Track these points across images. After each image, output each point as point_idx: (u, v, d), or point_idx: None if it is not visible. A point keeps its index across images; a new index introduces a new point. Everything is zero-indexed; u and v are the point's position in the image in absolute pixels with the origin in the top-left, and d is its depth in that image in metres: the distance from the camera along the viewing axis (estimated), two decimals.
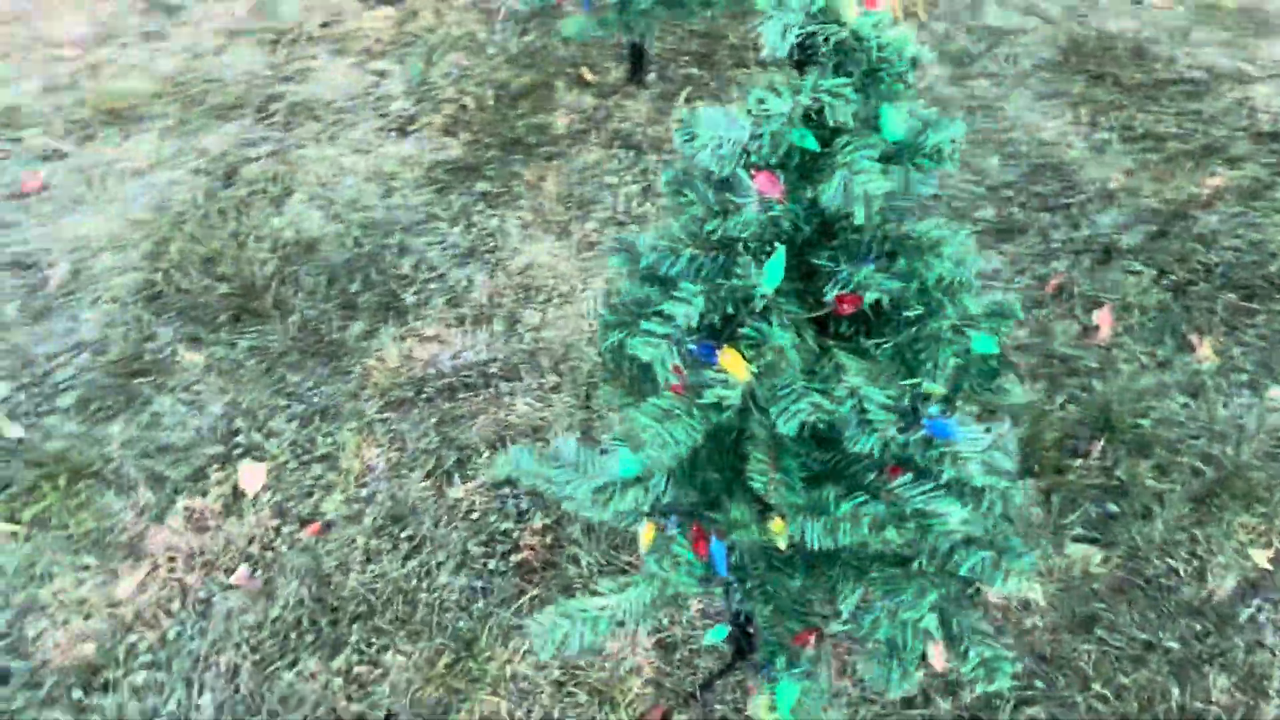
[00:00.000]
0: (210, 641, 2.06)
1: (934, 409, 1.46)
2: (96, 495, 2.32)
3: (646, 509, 1.54)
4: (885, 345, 1.36)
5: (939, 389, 1.37)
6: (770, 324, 1.32)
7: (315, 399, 2.49)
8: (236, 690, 1.98)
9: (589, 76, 3.35)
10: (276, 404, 2.49)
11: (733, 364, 1.33)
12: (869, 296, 1.31)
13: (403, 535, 2.23)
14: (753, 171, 1.27)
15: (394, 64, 3.54)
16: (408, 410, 2.46)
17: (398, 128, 3.27)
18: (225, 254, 2.84)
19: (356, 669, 2.01)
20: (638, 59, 3.31)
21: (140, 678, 2.01)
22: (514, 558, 2.16)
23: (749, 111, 1.23)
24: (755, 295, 1.30)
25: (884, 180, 1.20)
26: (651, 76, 3.40)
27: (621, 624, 1.52)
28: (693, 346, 1.37)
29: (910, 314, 1.36)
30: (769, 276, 1.28)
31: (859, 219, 1.20)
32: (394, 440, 2.40)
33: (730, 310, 1.34)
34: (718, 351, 1.34)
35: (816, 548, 1.37)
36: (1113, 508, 2.22)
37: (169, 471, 2.36)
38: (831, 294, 1.29)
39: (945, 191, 2.85)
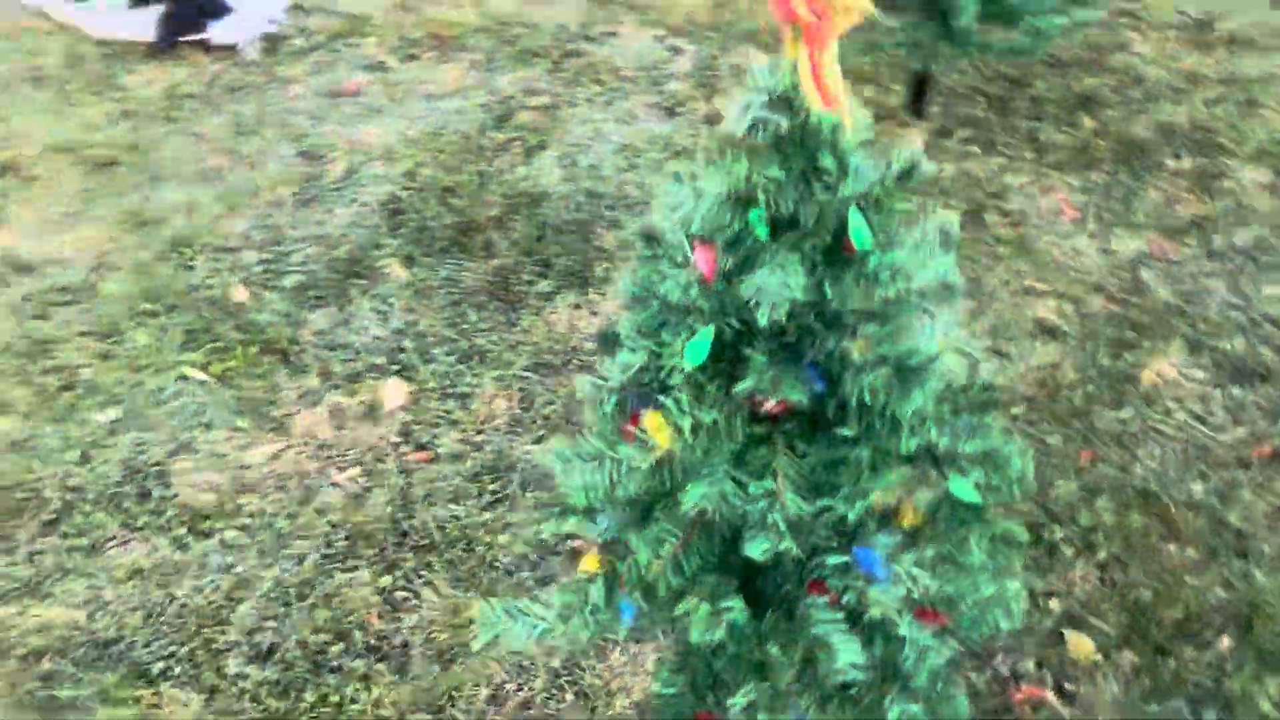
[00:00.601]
0: (296, 525, 2.30)
1: (880, 537, 1.38)
2: (273, 370, 2.63)
3: (595, 537, 1.56)
4: (810, 456, 1.30)
5: (851, 513, 1.29)
6: (696, 399, 1.29)
7: (478, 340, 2.67)
8: (296, 574, 2.21)
9: (868, 93, 3.27)
10: (445, 335, 2.69)
11: (655, 427, 1.32)
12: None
13: (490, 487, 2.36)
14: (695, 243, 1.25)
15: (691, 44, 3.62)
16: (548, 375, 2.58)
17: (667, 107, 3.36)
18: (464, 189, 3.07)
19: (396, 593, 2.18)
20: (920, 88, 3.18)
21: (230, 535, 2.29)
22: (572, 543, 2.23)
23: (691, 185, 1.21)
24: (678, 367, 1.28)
25: (793, 286, 1.14)
26: (935, 109, 3.25)
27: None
28: (628, 398, 1.37)
29: (843, 431, 1.29)
30: (690, 354, 1.26)
31: (760, 319, 1.15)
32: (524, 399, 2.53)
33: (664, 375, 1.33)
34: (644, 411, 1.34)
35: (695, 640, 1.35)
36: (1209, 715, 1.95)
37: (336, 368, 2.63)
38: (742, 388, 1.24)
39: None
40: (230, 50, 3.63)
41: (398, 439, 2.48)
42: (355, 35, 3.73)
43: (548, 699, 1.99)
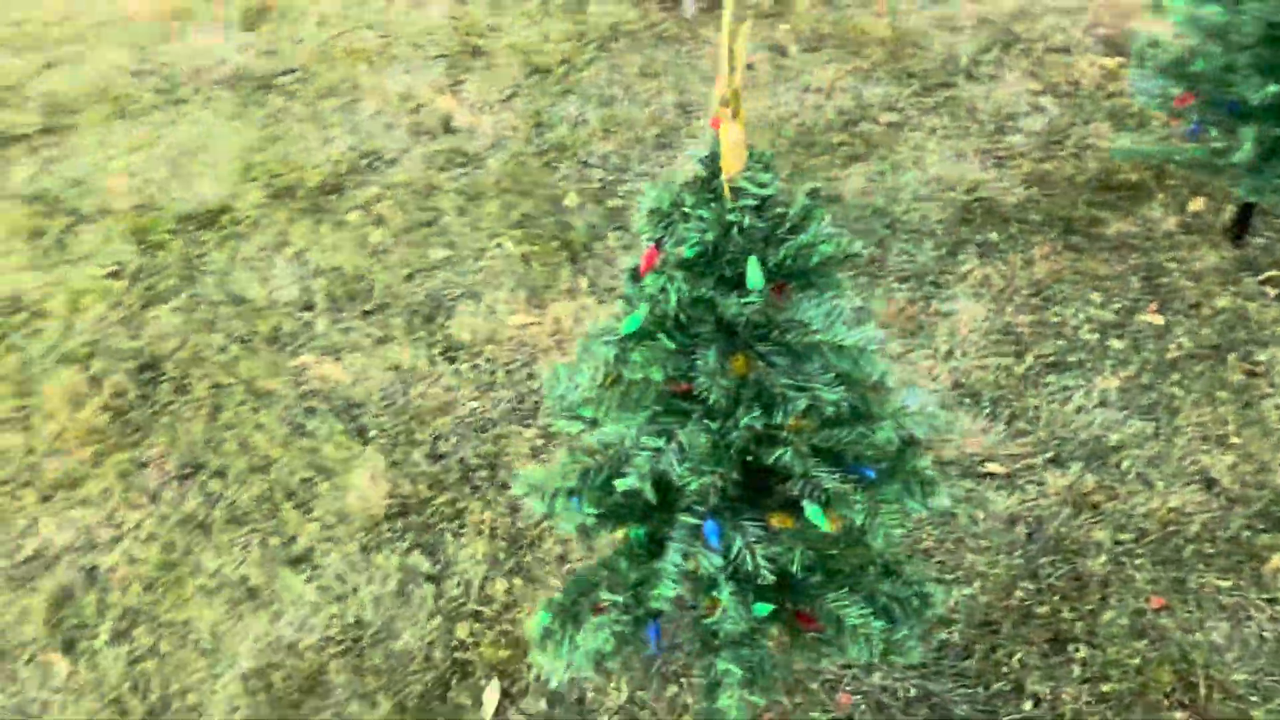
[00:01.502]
0: (510, 380, 2.99)
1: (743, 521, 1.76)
2: (560, 264, 3.31)
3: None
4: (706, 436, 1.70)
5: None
6: (619, 360, 1.74)
7: None
8: (490, 411, 2.90)
9: (1195, 205, 3.25)
10: None
11: None
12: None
13: None
14: (650, 244, 1.67)
15: (1058, 108, 3.73)
16: None
17: (997, 156, 3.55)
18: None
19: (542, 447, 2.80)
20: (1245, 215, 3.12)
21: (464, 368, 3.03)
22: None
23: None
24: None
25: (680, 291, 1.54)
26: (1258, 241, 3.18)
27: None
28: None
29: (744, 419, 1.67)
30: (624, 325, 1.69)
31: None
32: None
33: None
34: None
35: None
36: None
37: (604, 281, 3.25)
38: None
39: None
40: (677, 3, 4.29)
41: None
42: (776, 18, 4.23)
43: None
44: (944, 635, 2.39)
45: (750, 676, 1.84)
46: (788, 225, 1.61)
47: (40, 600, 2.64)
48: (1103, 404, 2.80)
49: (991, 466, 2.69)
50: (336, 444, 2.89)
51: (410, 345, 3.11)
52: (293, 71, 4.29)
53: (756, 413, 1.63)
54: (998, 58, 3.92)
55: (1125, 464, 2.67)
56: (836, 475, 1.72)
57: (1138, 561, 2.47)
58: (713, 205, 1.54)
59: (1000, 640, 2.37)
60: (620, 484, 1.73)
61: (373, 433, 2.91)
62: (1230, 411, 2.74)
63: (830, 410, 1.70)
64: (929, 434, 1.93)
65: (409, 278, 3.31)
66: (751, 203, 1.54)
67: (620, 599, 1.80)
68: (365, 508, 2.73)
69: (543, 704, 2.36)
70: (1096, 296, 3.05)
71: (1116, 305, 3.03)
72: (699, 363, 1.61)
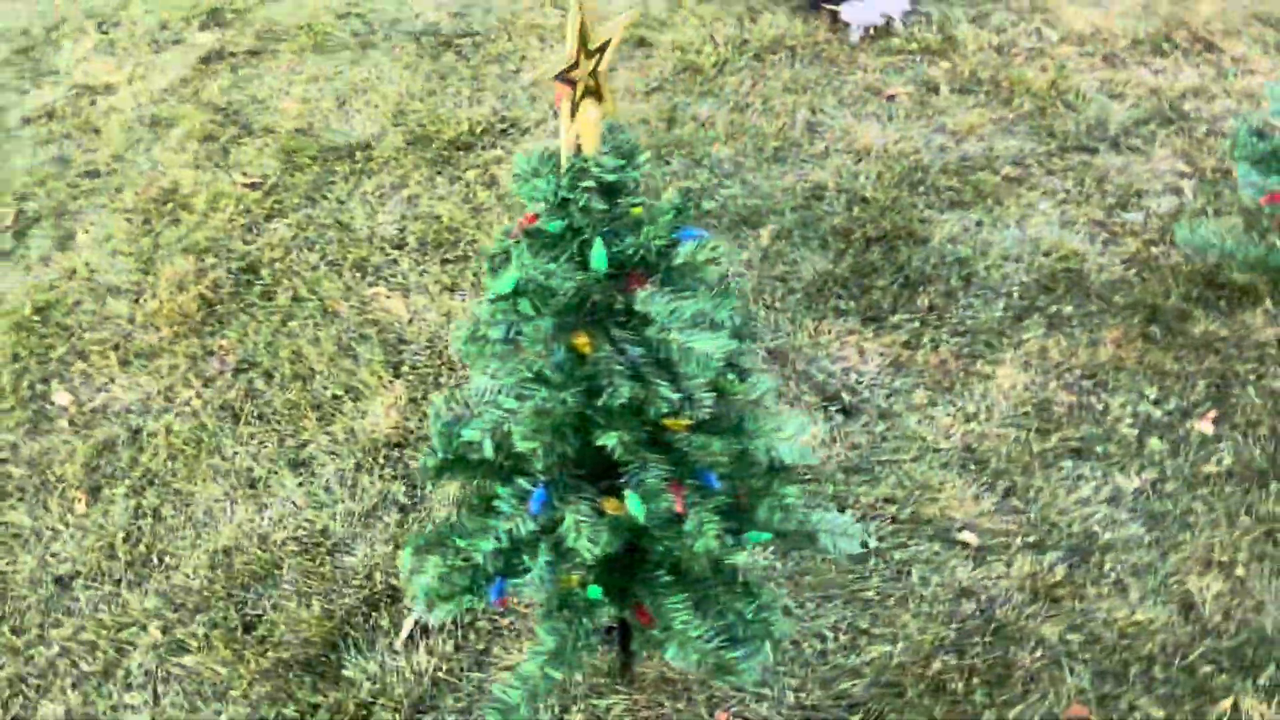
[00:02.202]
0: None
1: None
2: None
3: None
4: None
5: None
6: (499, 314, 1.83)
7: None
8: None
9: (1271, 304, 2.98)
10: None
11: None
12: None
13: None
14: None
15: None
16: None
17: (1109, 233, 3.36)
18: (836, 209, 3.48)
19: None
20: None
21: None
22: None
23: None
24: None
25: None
26: None
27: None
28: None
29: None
30: (498, 285, 1.77)
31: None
32: None
33: None
34: None
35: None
36: None
37: None
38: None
39: None
40: (844, 28, 4.28)
41: None
42: (939, 55, 4.14)
43: None
44: (847, 685, 2.34)
45: (558, 650, 1.89)
46: (632, 216, 1.64)
47: (88, 446, 2.99)
48: (1111, 501, 2.63)
49: (966, 535, 2.59)
50: (372, 371, 3.10)
51: (471, 299, 3.28)
52: (473, 35, 4.56)
53: (579, 389, 1.68)
54: (1151, 132, 3.68)
55: (1107, 565, 2.50)
56: (658, 473, 1.75)
57: (1076, 666, 2.33)
58: (551, 179, 1.60)
59: (900, 705, 2.29)
60: (465, 434, 1.82)
61: (406, 369, 3.11)
62: (1246, 540, 2.52)
63: (665, 408, 1.73)
64: (795, 461, 1.92)
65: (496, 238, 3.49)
66: (591, 184, 1.59)
67: (454, 546, 1.88)
68: (373, 433, 2.93)
69: (450, 646, 2.48)
70: (1152, 392, 2.85)
71: (1170, 405, 2.82)
72: (527, 329, 1.68)
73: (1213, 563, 2.48)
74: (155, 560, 2.72)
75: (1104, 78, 3.92)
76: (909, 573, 2.54)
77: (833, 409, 2.92)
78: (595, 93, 1.57)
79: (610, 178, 1.60)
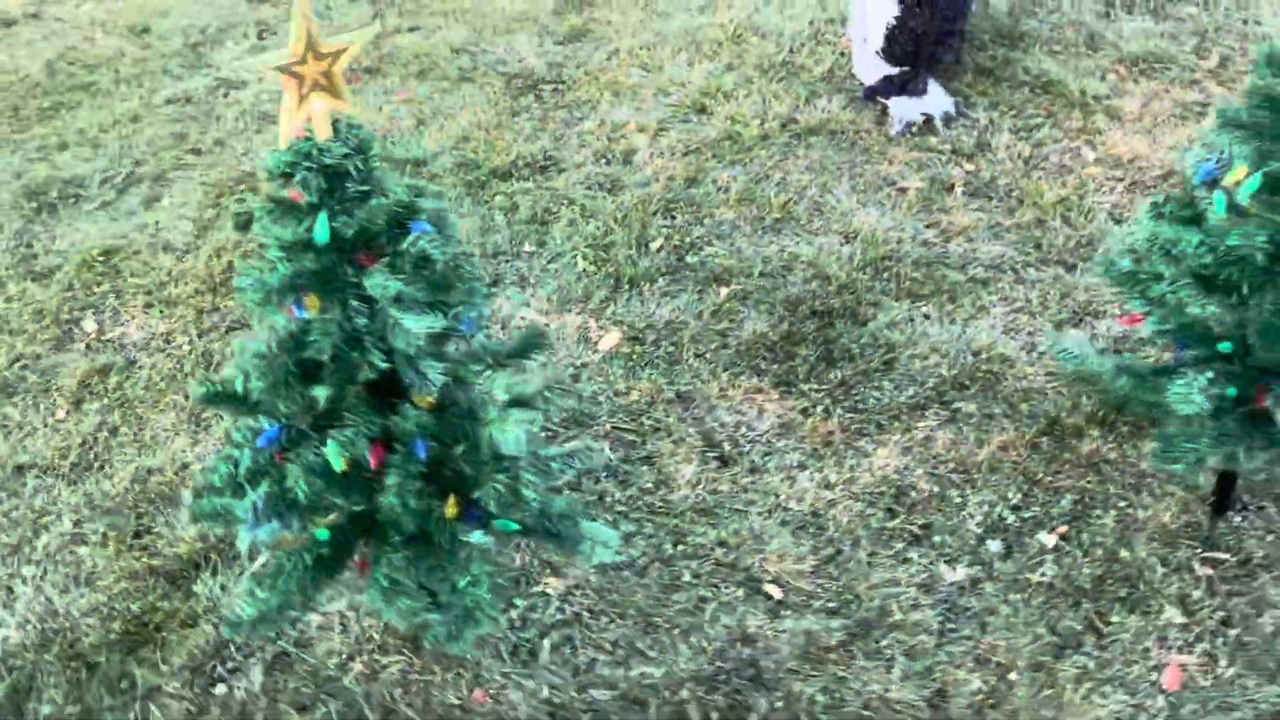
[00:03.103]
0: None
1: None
2: None
3: None
4: None
5: None
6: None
7: None
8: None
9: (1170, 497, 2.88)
10: None
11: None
12: None
13: None
14: None
15: None
16: None
17: None
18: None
19: None
20: (1225, 484, 2.75)
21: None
22: None
23: None
24: None
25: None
26: (1240, 520, 2.78)
27: None
28: None
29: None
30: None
31: None
32: None
33: None
34: None
35: None
36: None
37: None
38: None
39: None
40: (888, 120, 4.43)
41: None
42: (968, 158, 4.22)
43: None
44: (598, 693, 2.50)
45: (274, 575, 2.16)
46: (356, 200, 1.92)
47: (89, 367, 3.50)
48: (923, 587, 2.68)
49: (772, 588, 2.70)
50: None
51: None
52: (558, 82, 4.97)
53: (293, 342, 1.97)
54: None
55: (885, 642, 2.56)
56: (365, 430, 2.01)
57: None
58: (281, 157, 1.90)
59: (631, 718, 2.44)
60: (225, 372, 2.14)
61: None
62: (1031, 649, 2.52)
63: (373, 375, 2.00)
64: (514, 452, 2.12)
65: (491, 255, 3.84)
66: (313, 165, 1.89)
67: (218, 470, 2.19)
68: None
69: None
70: (1015, 498, 2.87)
71: (1027, 513, 2.84)
72: (268, 281, 1.98)
73: (988, 663, 2.50)
74: (96, 466, 3.17)
75: (1118, 202, 3.90)
76: (704, 610, 2.67)
77: (710, 455, 3.08)
78: (329, 90, 1.87)
79: (331, 162, 1.89)
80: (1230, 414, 2.33)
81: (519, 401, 2.44)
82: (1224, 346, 2.35)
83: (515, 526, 2.32)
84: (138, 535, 2.95)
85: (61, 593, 2.81)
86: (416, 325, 1.95)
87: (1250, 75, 2.18)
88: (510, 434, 2.11)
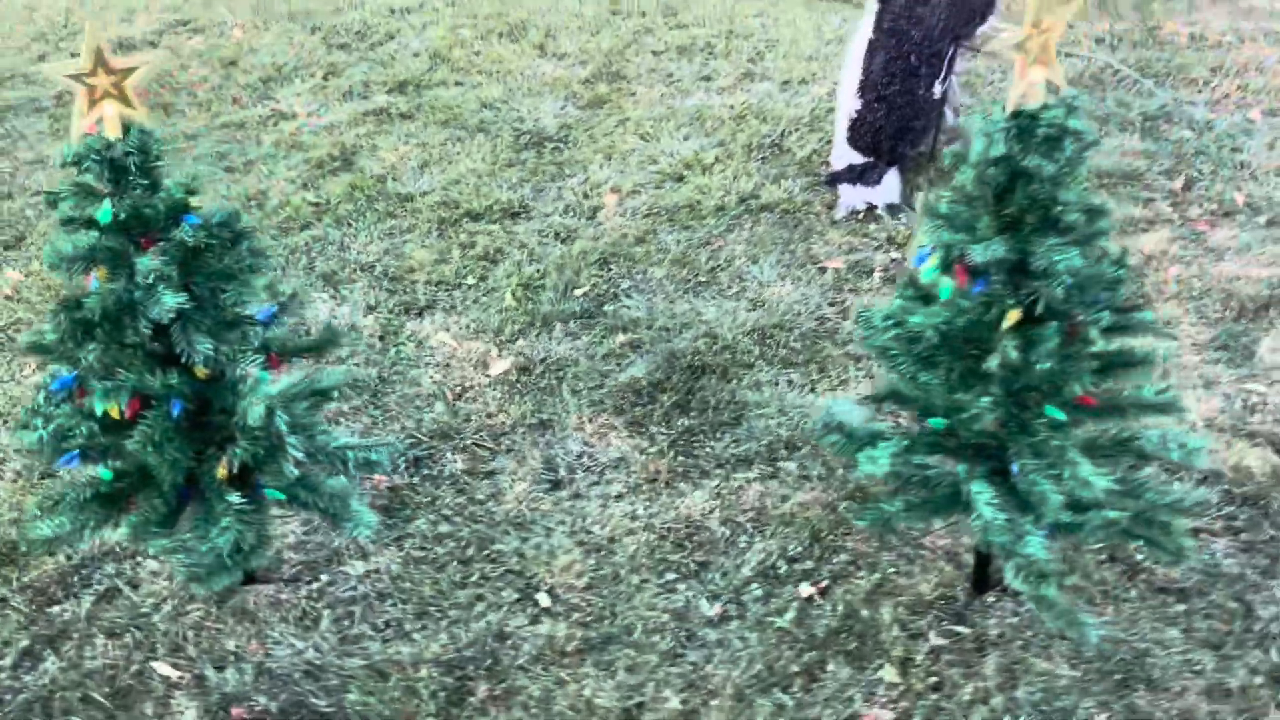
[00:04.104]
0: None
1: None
2: None
3: None
4: None
5: None
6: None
7: None
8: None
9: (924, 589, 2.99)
10: None
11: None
12: None
13: None
14: None
15: None
16: None
17: None
18: None
19: None
20: (982, 567, 2.87)
21: None
22: None
23: None
24: None
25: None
26: (991, 600, 2.88)
27: None
28: None
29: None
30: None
31: None
32: None
33: None
34: None
35: None
36: None
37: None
38: None
39: None
40: (836, 201, 4.66)
41: None
42: (900, 246, 4.40)
43: None
44: (333, 679, 2.81)
45: (55, 502, 2.55)
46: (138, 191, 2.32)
47: None
48: (678, 615, 2.89)
49: (541, 597, 2.96)
50: None
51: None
52: (561, 142, 5.39)
53: (68, 301, 2.38)
54: None
55: (616, 656, 2.78)
56: (119, 386, 2.40)
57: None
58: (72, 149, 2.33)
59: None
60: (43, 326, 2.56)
61: None
62: (736, 678, 2.70)
63: (137, 338, 2.39)
64: (282, 431, 2.47)
65: (434, 283, 4.24)
66: (100, 158, 2.30)
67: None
68: None
69: None
70: (795, 549, 3.05)
71: (800, 566, 3.01)
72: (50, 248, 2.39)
73: (698, 687, 2.68)
74: None
75: None
76: (475, 606, 2.94)
77: (545, 478, 3.37)
78: (120, 98, 2.30)
79: (114, 157, 2.30)
80: (913, 484, 2.50)
81: (318, 391, 2.82)
82: (935, 422, 2.52)
83: (282, 496, 2.66)
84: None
85: None
86: (170, 301, 2.34)
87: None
88: (255, 409, 2.46)
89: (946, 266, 2.32)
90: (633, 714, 2.64)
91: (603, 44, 6.53)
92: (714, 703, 2.66)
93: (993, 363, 2.29)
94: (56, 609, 2.99)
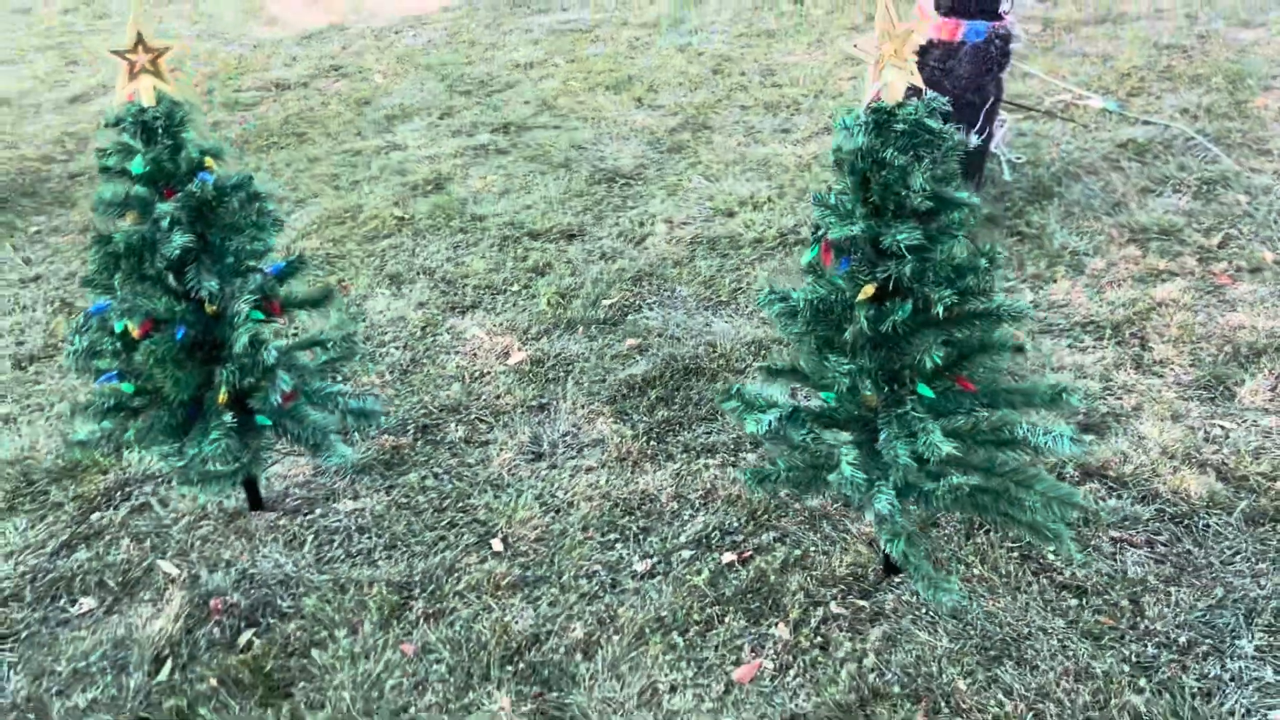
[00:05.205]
0: None
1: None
2: None
3: None
4: None
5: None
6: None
7: None
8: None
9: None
10: None
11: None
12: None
13: None
14: None
15: None
16: None
17: None
18: None
19: None
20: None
21: None
22: None
23: None
24: None
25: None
26: (899, 580, 3.07)
27: None
28: None
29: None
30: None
31: None
32: None
33: None
34: None
35: None
36: None
37: None
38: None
39: None
40: None
41: None
42: None
43: None
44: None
45: (83, 411, 3.08)
46: (165, 150, 2.85)
47: None
48: (610, 567, 3.20)
49: (495, 543, 3.32)
50: None
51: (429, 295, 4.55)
52: (632, 179, 5.84)
53: (101, 239, 2.91)
54: None
55: (542, 592, 3.11)
56: (135, 309, 2.91)
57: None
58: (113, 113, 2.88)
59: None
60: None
61: None
62: (641, 618, 2.98)
63: (153, 272, 2.91)
64: (240, 352, 2.94)
65: (485, 287, 4.73)
66: (134, 121, 2.84)
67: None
68: None
69: None
70: (732, 523, 3.32)
71: (732, 538, 3.27)
72: (95, 196, 2.95)
73: (605, 623, 2.98)
74: None
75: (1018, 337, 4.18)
76: (438, 545, 3.33)
77: (530, 450, 3.74)
78: (155, 74, 2.84)
79: (145, 120, 2.84)
80: (798, 450, 2.76)
81: (315, 342, 3.30)
82: (826, 395, 2.79)
83: (269, 422, 3.13)
84: None
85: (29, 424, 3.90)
86: (179, 239, 2.85)
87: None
88: (242, 338, 2.94)
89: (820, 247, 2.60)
90: (540, 639, 2.95)
91: (696, 98, 6.99)
92: (615, 637, 2.94)
93: (849, 331, 2.56)
94: (96, 515, 3.53)
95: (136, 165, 2.88)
